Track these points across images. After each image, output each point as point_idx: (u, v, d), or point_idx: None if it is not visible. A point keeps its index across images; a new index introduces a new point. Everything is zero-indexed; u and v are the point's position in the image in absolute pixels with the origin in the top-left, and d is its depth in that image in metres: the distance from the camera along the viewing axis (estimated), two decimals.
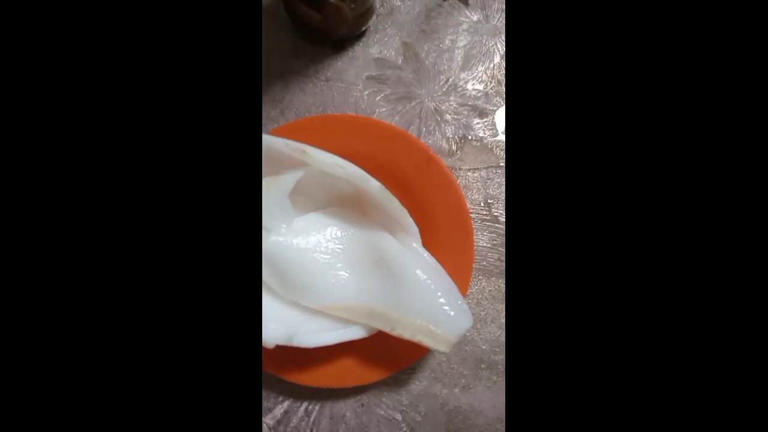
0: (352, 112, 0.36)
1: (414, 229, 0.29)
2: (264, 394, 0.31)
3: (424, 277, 0.28)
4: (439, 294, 0.27)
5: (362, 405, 0.31)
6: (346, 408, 0.31)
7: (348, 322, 0.29)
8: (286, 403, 0.31)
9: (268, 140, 0.29)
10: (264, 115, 0.36)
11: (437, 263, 0.29)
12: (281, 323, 0.28)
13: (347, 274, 0.29)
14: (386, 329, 0.27)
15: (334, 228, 0.30)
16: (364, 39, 0.38)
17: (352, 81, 0.37)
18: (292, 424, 0.31)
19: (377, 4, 0.38)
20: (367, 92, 0.37)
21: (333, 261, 0.29)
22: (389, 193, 0.28)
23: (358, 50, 0.38)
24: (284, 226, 0.29)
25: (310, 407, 0.31)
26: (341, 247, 0.30)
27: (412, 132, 0.36)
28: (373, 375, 0.30)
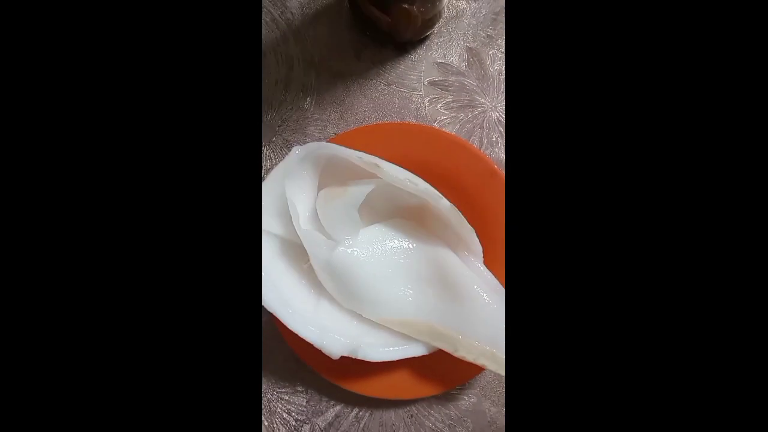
0: (413, 118, 0.36)
1: (478, 248, 0.29)
2: (317, 397, 0.32)
3: (489, 300, 0.28)
4: (503, 318, 0.27)
5: (411, 416, 0.32)
6: (396, 417, 0.32)
7: (407, 337, 0.29)
8: (338, 408, 0.32)
9: (340, 151, 0.29)
10: (325, 117, 0.36)
11: (500, 285, 0.29)
12: (344, 334, 0.28)
13: (408, 289, 0.29)
14: (449, 350, 0.27)
15: (397, 241, 0.30)
16: (427, 42, 0.37)
17: (413, 86, 0.36)
18: (342, 429, 0.31)
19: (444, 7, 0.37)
20: (428, 98, 0.36)
21: (394, 275, 0.29)
22: (459, 213, 0.28)
23: (420, 54, 0.37)
24: (349, 238, 0.29)
25: (361, 413, 0.32)
26: (403, 261, 0.30)
27: (473, 143, 0.35)
28: (425, 389, 0.30)
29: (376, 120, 0.36)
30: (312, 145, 0.29)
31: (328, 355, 0.27)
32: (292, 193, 0.29)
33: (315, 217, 0.30)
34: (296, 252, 0.30)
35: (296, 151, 0.29)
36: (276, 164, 0.35)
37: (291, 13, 0.38)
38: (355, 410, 0.32)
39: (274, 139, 0.36)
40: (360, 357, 0.27)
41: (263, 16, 0.38)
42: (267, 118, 0.36)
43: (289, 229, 0.30)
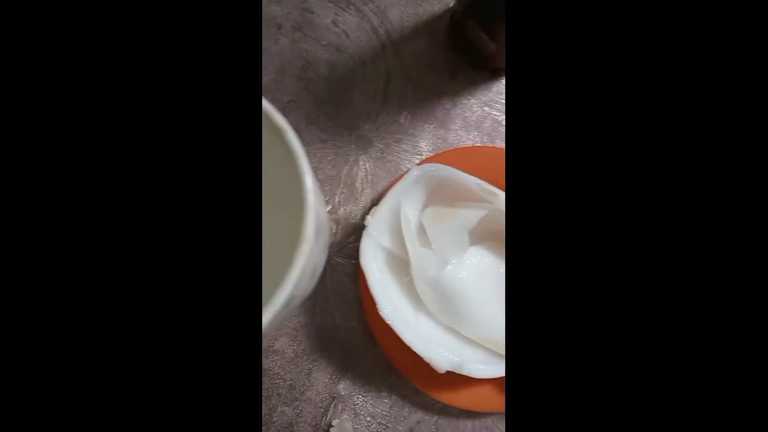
0: (502, 142, 0.37)
1: None
2: (400, 403, 0.33)
3: None
4: None
5: (486, 427, 0.33)
6: (472, 428, 0.33)
7: (499, 355, 0.30)
8: (419, 414, 0.33)
9: (458, 175, 0.30)
10: (418, 132, 0.37)
11: None
12: (447, 349, 0.29)
13: (501, 312, 0.31)
14: None
15: (494, 264, 0.32)
16: None
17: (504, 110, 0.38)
18: None
19: None
20: None
21: (491, 296, 0.31)
22: None
23: None
24: (455, 259, 0.30)
25: (440, 421, 0.33)
26: (498, 284, 0.31)
27: None
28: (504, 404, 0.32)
29: (467, 139, 0.37)
30: (429, 166, 0.31)
31: (435, 368, 0.28)
32: (408, 211, 0.30)
33: (419, 233, 0.31)
34: (398, 265, 0.32)
35: (414, 171, 0.30)
36: (369, 172, 0.36)
37: (390, 23, 0.39)
38: (435, 418, 0.33)
39: (370, 149, 0.37)
40: (464, 373, 0.29)
41: (363, 24, 0.39)
42: (363, 128, 0.37)
43: (395, 243, 0.31)
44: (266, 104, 0.18)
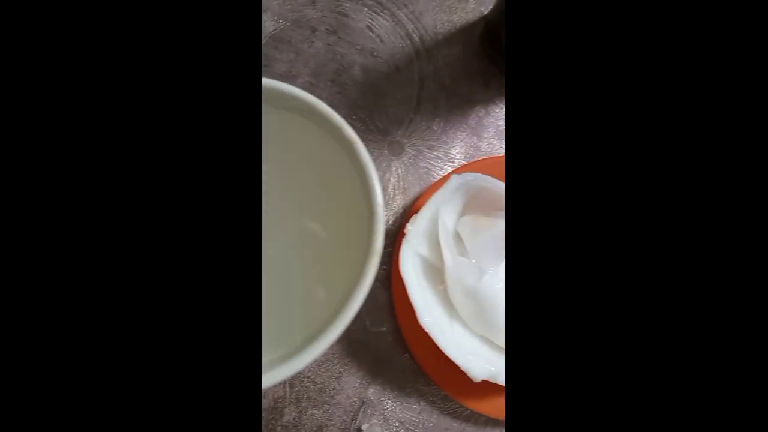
0: None
1: None
2: (428, 409, 0.34)
3: None
4: None
5: None
6: None
7: None
8: (446, 421, 0.34)
9: (499, 185, 0.30)
10: (450, 139, 0.37)
11: None
12: (481, 358, 0.30)
13: None
14: None
15: None
16: None
17: None
18: None
19: None
20: None
21: None
22: None
23: None
24: (492, 269, 0.31)
25: (468, 429, 0.34)
26: None
27: None
28: None
29: (500, 148, 0.37)
30: (468, 176, 0.31)
31: (471, 377, 0.29)
32: (446, 219, 0.30)
33: (455, 241, 0.32)
34: (433, 273, 0.32)
35: (454, 180, 0.30)
36: (401, 178, 0.36)
37: (425, 29, 0.39)
38: (462, 425, 0.34)
39: (402, 155, 0.37)
40: (500, 383, 0.29)
41: (398, 29, 0.39)
42: (396, 134, 0.37)
43: (431, 251, 0.31)
44: (336, 115, 0.18)
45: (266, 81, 0.19)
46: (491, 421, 0.34)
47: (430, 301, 0.31)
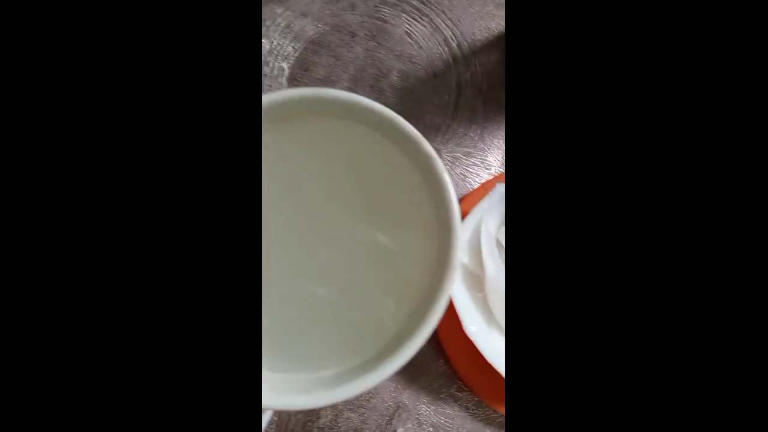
0: None
1: None
2: (462, 414, 0.34)
3: None
4: None
5: None
6: None
7: None
8: (480, 426, 0.34)
9: None
10: (487, 147, 0.37)
11: None
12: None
13: None
14: None
15: None
16: None
17: None
18: None
19: None
20: None
21: None
22: None
23: None
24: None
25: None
26: None
27: None
28: None
29: None
30: None
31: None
32: (491, 227, 0.30)
33: (495, 248, 0.32)
34: (472, 281, 0.32)
35: (499, 188, 0.31)
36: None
37: (463, 36, 0.39)
38: (495, 431, 0.34)
39: (442, 159, 0.37)
40: None
41: (436, 36, 0.39)
42: (434, 140, 0.37)
43: (471, 259, 0.32)
44: (413, 129, 0.18)
45: (334, 92, 0.19)
46: None
47: (471, 308, 0.31)
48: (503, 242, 0.31)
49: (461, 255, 0.31)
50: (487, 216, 0.31)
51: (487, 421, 0.34)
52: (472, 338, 0.29)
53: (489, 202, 0.31)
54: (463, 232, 0.31)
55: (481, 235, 0.30)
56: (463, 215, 0.32)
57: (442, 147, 0.37)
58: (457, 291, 0.29)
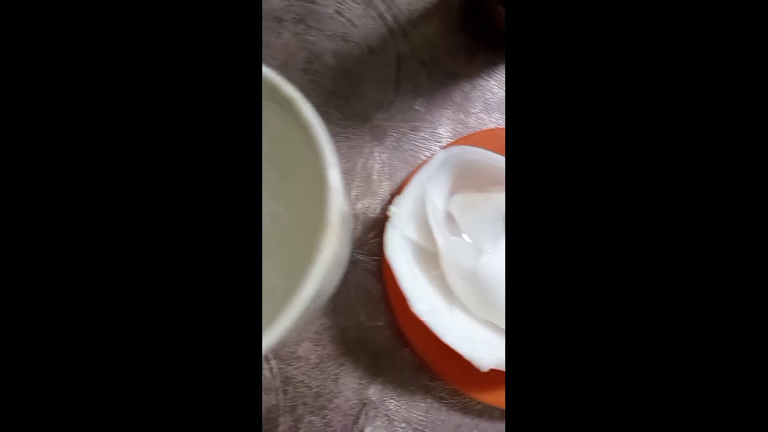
0: None
1: None
2: (436, 406, 0.31)
3: None
4: None
5: None
6: None
7: None
8: (457, 417, 0.31)
9: (488, 156, 0.28)
10: (436, 118, 0.35)
11: None
12: (487, 345, 0.27)
13: None
14: None
15: None
16: None
17: None
18: None
19: None
20: None
21: None
22: None
23: None
24: (490, 247, 0.28)
25: (482, 424, 0.31)
26: None
27: None
28: None
29: (490, 122, 0.35)
30: (454, 149, 0.29)
31: (477, 367, 0.26)
32: (434, 198, 0.28)
33: (447, 222, 0.29)
34: (425, 258, 0.30)
35: (439, 155, 0.28)
36: (386, 163, 0.34)
37: (398, 8, 0.37)
38: (476, 421, 0.31)
39: (385, 139, 0.35)
40: None
41: (369, 11, 0.37)
42: (377, 118, 0.35)
43: (421, 235, 0.29)
44: (271, 74, 0.16)
45: None
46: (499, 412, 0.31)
47: (425, 287, 0.28)
48: (454, 214, 0.29)
49: (408, 229, 0.29)
50: (430, 186, 0.28)
51: (465, 410, 0.31)
52: (422, 318, 0.26)
53: (429, 171, 0.28)
54: (404, 205, 0.28)
55: (426, 207, 0.28)
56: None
57: (388, 124, 0.35)
58: (403, 268, 0.27)
